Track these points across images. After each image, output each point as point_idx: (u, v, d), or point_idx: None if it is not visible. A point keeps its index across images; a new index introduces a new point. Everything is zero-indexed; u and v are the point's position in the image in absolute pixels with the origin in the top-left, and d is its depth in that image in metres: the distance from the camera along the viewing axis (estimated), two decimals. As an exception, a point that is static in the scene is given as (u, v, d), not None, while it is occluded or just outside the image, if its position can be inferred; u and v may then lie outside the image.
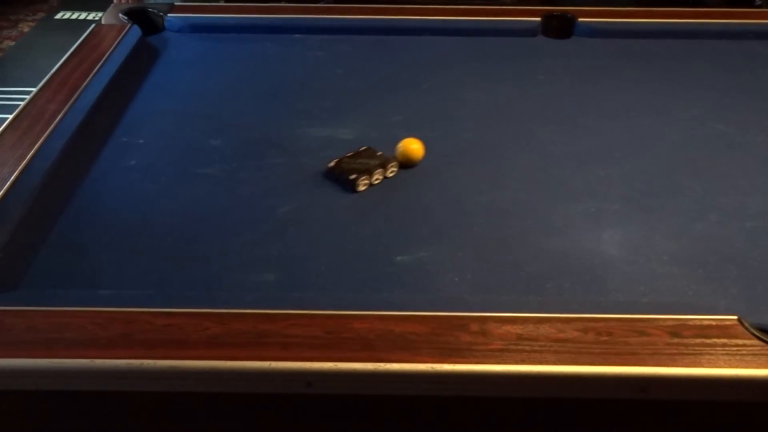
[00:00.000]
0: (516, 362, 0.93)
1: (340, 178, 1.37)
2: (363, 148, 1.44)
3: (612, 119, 1.63)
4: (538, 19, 2.03)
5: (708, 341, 0.97)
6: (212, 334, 0.97)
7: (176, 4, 2.12)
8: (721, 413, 0.98)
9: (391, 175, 1.40)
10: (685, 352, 0.95)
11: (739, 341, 0.96)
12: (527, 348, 0.95)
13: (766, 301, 1.07)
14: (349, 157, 1.41)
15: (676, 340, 0.97)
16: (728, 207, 1.32)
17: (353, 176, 1.35)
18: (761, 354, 0.94)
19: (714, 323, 0.99)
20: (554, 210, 1.31)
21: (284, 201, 1.33)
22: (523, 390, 0.95)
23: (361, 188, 1.35)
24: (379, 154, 1.42)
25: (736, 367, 0.93)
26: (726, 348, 0.95)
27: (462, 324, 0.99)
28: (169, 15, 2.04)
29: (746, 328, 0.98)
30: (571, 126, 1.60)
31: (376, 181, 1.38)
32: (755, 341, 0.96)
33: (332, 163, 1.40)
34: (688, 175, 1.42)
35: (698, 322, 0.99)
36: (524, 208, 1.32)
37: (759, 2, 2.95)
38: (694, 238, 1.24)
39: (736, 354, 0.94)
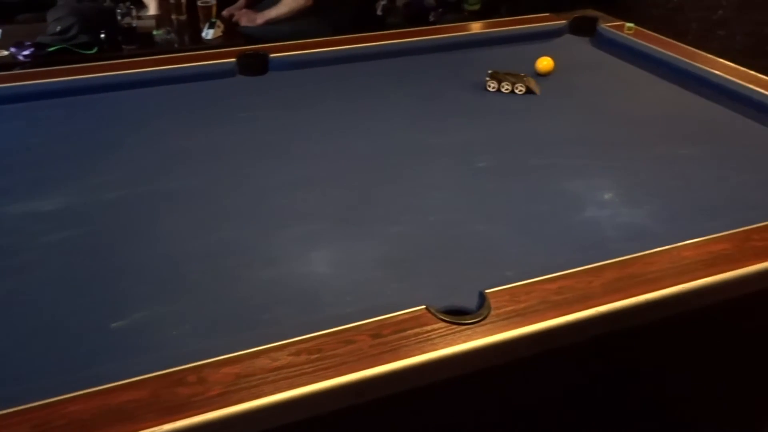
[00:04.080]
0: (235, 402, 0.96)
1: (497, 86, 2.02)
2: (505, 71, 2.04)
3: (316, 143, 1.74)
4: (234, 59, 2.09)
5: (404, 334, 1.08)
6: None
7: None
8: (427, 397, 1.10)
9: (528, 85, 2.01)
10: (386, 349, 1.05)
11: (428, 327, 1.09)
12: (246, 385, 0.99)
13: (450, 285, 1.21)
14: (500, 73, 2.03)
15: (378, 340, 1.06)
16: (416, 206, 1.47)
17: (504, 83, 2.01)
18: (447, 334, 1.08)
19: (407, 316, 1.11)
20: (268, 241, 1.36)
21: (-20, 293, 1.24)
22: (249, 427, 0.98)
23: (506, 89, 2.01)
24: (515, 73, 2.03)
25: (428, 351, 1.04)
26: (418, 336, 1.07)
27: (179, 378, 1.00)
28: None
29: (433, 314, 1.11)
30: (277, 157, 1.67)
31: (518, 89, 2.00)
32: (441, 323, 1.09)
33: (489, 77, 2.02)
34: (382, 184, 1.56)
35: (395, 319, 1.10)
36: (240, 245, 1.35)
37: (432, 19, 3.31)
38: (391, 240, 1.36)
39: (427, 340, 1.06)
